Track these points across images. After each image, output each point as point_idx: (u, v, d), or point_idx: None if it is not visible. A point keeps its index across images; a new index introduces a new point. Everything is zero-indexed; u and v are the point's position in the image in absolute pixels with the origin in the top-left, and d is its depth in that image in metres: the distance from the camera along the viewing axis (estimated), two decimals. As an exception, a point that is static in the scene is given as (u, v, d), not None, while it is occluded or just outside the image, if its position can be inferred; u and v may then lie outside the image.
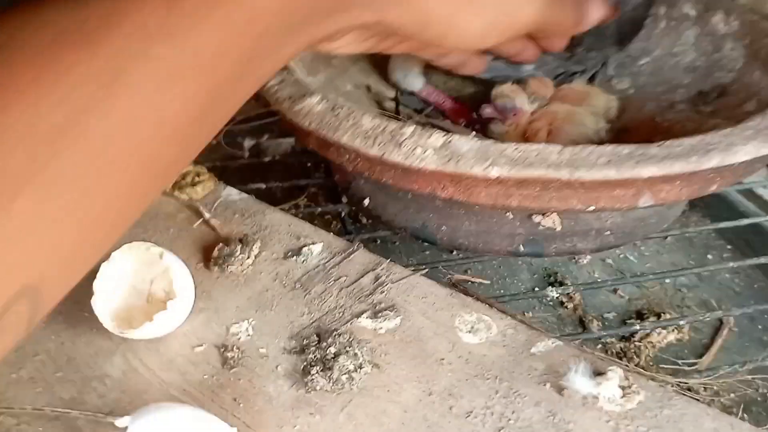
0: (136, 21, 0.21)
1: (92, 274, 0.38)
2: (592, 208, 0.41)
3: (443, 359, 0.36)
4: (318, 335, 0.38)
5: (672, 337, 0.51)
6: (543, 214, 0.47)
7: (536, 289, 0.57)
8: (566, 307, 0.55)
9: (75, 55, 0.20)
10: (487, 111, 0.56)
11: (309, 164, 0.71)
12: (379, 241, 0.60)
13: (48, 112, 0.19)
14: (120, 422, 0.31)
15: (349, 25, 0.31)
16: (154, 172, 0.23)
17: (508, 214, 0.47)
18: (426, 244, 0.56)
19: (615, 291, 0.57)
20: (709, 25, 0.62)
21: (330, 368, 0.35)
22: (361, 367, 0.36)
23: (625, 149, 0.39)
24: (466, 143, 0.39)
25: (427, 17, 0.34)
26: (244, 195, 0.51)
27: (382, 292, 0.40)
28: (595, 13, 0.44)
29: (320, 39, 0.30)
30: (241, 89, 0.26)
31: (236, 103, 0.27)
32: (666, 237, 0.62)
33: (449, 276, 0.54)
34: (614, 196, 0.41)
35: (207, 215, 0.49)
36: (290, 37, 0.27)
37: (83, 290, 0.41)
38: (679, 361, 0.50)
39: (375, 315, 0.38)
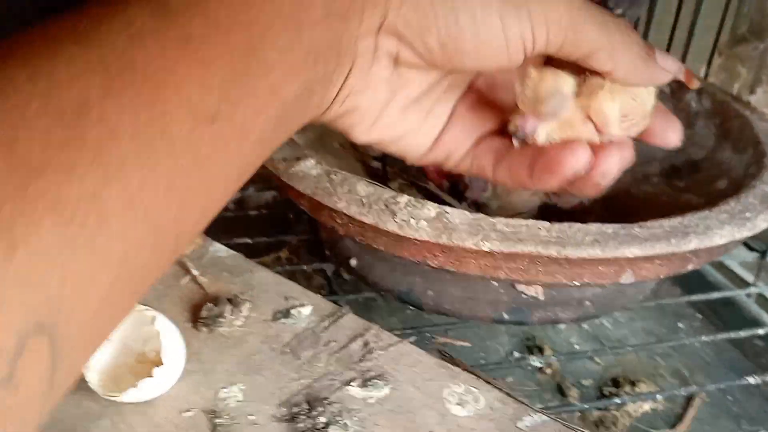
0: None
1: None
2: (576, 283, 0.43)
3: (432, 431, 0.37)
4: (308, 403, 0.38)
5: (647, 406, 0.53)
6: (527, 284, 0.48)
7: (515, 352, 0.58)
8: (545, 372, 0.56)
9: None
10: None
11: (291, 215, 0.72)
12: (361, 299, 0.61)
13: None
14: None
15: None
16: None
17: (494, 282, 0.48)
18: (409, 308, 0.57)
19: (591, 357, 0.59)
20: (683, 102, 0.65)
21: (320, 438, 0.36)
22: (350, 438, 0.36)
23: (610, 228, 0.41)
24: (459, 216, 0.41)
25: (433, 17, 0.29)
26: (232, 252, 0.52)
27: (371, 359, 0.41)
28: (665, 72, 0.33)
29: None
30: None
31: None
32: (644, 309, 0.64)
33: (433, 338, 0.54)
34: (598, 273, 0.42)
35: (195, 272, 0.49)
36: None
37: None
38: (653, 431, 0.52)
39: (365, 383, 0.39)
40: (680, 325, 0.64)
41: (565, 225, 0.41)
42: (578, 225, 0.41)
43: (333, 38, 0.27)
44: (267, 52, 0.24)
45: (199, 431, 0.37)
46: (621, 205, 0.59)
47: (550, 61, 0.34)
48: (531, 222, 0.41)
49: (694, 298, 0.60)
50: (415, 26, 0.28)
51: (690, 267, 0.45)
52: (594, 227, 0.41)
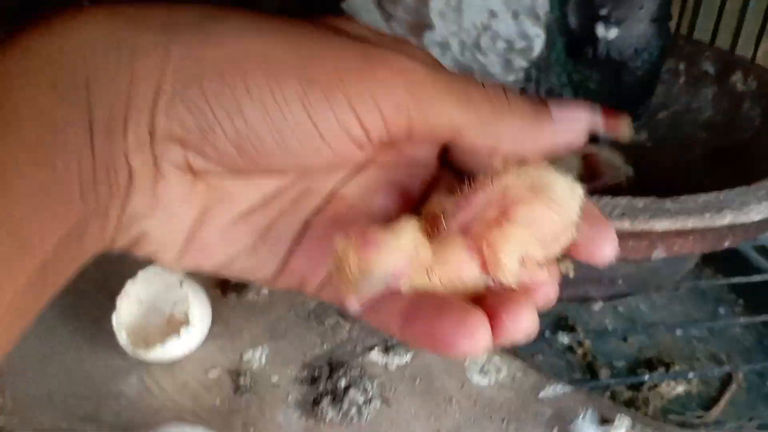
0: None
1: (115, 290, 0.39)
2: (605, 257, 0.42)
3: (452, 398, 0.37)
4: (330, 367, 0.38)
5: (681, 388, 0.51)
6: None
7: (547, 332, 0.57)
8: (576, 353, 0.56)
9: None
10: None
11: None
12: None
13: None
14: (133, 441, 0.32)
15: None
16: None
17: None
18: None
19: (625, 339, 0.57)
20: (728, 84, 0.63)
21: (340, 400, 0.36)
22: (370, 401, 0.36)
23: (640, 202, 0.40)
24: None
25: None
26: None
27: (394, 328, 0.41)
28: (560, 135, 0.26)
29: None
30: None
31: None
32: (678, 288, 0.63)
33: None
34: (628, 247, 0.41)
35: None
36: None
37: (103, 310, 0.42)
38: (687, 413, 0.50)
39: (386, 350, 0.39)
40: (720, 310, 0.62)
41: (596, 198, 0.40)
42: (607, 198, 0.40)
43: (102, 161, 0.21)
44: (13, 205, 0.19)
45: (223, 390, 0.38)
46: (661, 187, 0.57)
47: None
48: (558, 194, 0.40)
49: (734, 280, 0.58)
50: (195, 129, 0.22)
51: (726, 244, 0.43)
52: (624, 200, 0.40)
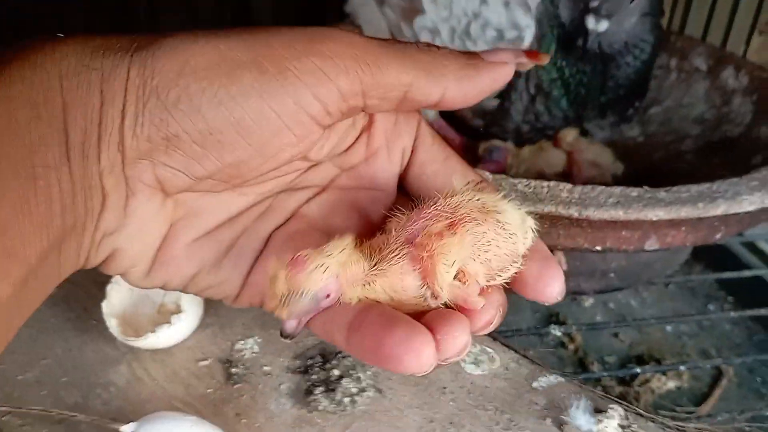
0: None
1: (105, 278, 0.39)
2: (598, 248, 0.42)
3: (445, 388, 0.37)
4: (322, 356, 0.38)
5: (671, 384, 0.51)
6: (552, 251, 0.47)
7: (538, 327, 0.57)
8: (567, 348, 0.56)
9: None
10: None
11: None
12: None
13: None
14: (125, 429, 0.32)
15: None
16: None
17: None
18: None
19: (616, 335, 0.58)
20: (719, 80, 0.63)
21: (333, 390, 0.36)
22: (363, 391, 0.36)
23: (634, 192, 0.40)
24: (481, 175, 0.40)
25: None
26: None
27: (387, 318, 0.41)
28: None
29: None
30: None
31: None
32: (668, 285, 0.63)
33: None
34: (621, 237, 0.42)
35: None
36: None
37: (93, 299, 0.41)
38: (677, 408, 0.50)
39: (380, 340, 0.39)
40: (710, 307, 0.62)
41: (588, 187, 0.40)
42: (601, 187, 0.40)
43: (78, 179, 0.23)
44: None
45: (214, 379, 0.37)
46: (653, 181, 0.58)
47: None
48: (553, 183, 0.40)
49: (726, 275, 0.58)
50: (160, 139, 0.23)
51: (718, 236, 0.44)
52: (618, 190, 0.40)
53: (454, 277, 0.24)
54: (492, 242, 0.24)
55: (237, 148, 0.24)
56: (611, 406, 0.35)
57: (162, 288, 0.27)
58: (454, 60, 0.26)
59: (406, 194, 0.29)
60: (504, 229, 0.25)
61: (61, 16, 0.99)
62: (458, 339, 0.23)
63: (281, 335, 0.25)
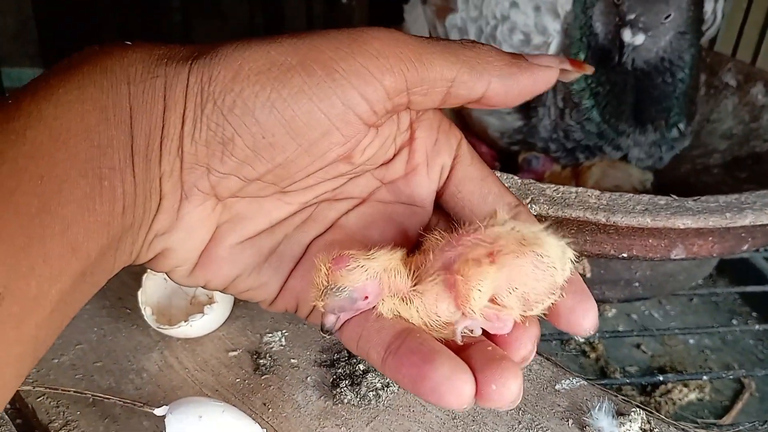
0: None
1: (141, 269, 0.40)
2: (624, 255, 0.42)
3: (469, 386, 0.37)
4: (348, 351, 0.39)
5: (693, 396, 0.51)
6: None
7: (561, 333, 0.57)
8: (588, 356, 0.56)
9: None
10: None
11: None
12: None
13: None
14: (158, 411, 0.32)
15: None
16: None
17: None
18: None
19: (638, 346, 0.58)
20: (749, 96, 0.63)
21: (358, 384, 0.36)
22: (388, 386, 0.37)
23: (662, 200, 0.40)
24: (509, 179, 0.41)
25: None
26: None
27: (413, 317, 0.41)
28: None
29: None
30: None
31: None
32: (692, 299, 0.63)
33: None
34: (647, 245, 0.42)
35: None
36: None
37: (127, 288, 0.43)
38: (699, 420, 0.50)
39: (406, 337, 0.40)
40: (734, 321, 0.62)
41: (617, 194, 0.40)
42: (630, 194, 0.40)
43: (140, 182, 0.24)
44: (64, 207, 0.21)
45: (243, 369, 0.38)
46: (679, 193, 0.58)
47: None
48: (581, 189, 0.41)
49: (749, 289, 0.58)
50: (216, 143, 0.24)
51: (744, 248, 0.44)
52: (646, 197, 0.40)
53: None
54: (530, 275, 0.25)
55: (287, 149, 0.25)
56: (633, 409, 0.36)
57: (203, 287, 0.29)
58: (497, 57, 0.26)
59: (442, 210, 0.30)
60: (543, 262, 0.25)
61: (97, 25, 1.02)
62: (512, 385, 0.23)
63: (321, 329, 0.26)
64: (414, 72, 0.25)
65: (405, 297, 0.25)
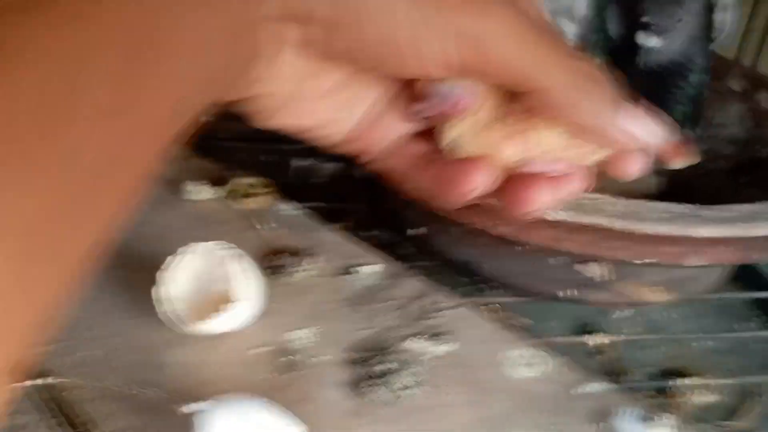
0: None
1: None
2: (638, 261, 0.43)
3: (494, 388, 0.38)
4: (377, 350, 0.40)
5: (705, 399, 0.52)
6: (589, 262, 0.49)
7: (573, 335, 0.58)
8: (602, 357, 0.56)
9: None
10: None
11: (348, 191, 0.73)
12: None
13: None
14: (189, 408, 0.33)
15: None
16: None
17: (555, 259, 0.49)
18: (467, 279, 0.57)
19: (652, 348, 0.58)
20: (754, 101, 0.65)
21: (387, 382, 0.37)
22: (415, 386, 0.38)
23: (678, 208, 0.42)
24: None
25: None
26: (299, 211, 0.54)
27: (438, 317, 0.42)
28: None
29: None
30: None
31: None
32: (706, 303, 0.63)
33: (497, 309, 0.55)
34: (662, 252, 0.43)
35: (260, 225, 0.51)
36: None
37: (153, 284, 0.43)
38: (717, 422, 0.51)
39: (432, 338, 0.40)
40: (752, 325, 0.63)
41: (633, 201, 0.41)
42: (647, 202, 0.41)
43: (243, 19, 0.24)
44: (181, 24, 0.21)
45: (266, 367, 0.39)
46: (681, 198, 0.59)
47: None
48: (599, 195, 0.41)
49: (758, 294, 0.59)
50: (320, 16, 0.25)
51: (755, 257, 0.45)
52: (662, 205, 0.41)
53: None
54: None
55: (369, 46, 0.25)
56: (661, 414, 0.37)
57: (280, 129, 0.30)
58: (600, 89, 0.27)
59: None
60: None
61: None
62: (541, 192, 0.27)
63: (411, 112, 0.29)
64: (485, 58, 0.25)
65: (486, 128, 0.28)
